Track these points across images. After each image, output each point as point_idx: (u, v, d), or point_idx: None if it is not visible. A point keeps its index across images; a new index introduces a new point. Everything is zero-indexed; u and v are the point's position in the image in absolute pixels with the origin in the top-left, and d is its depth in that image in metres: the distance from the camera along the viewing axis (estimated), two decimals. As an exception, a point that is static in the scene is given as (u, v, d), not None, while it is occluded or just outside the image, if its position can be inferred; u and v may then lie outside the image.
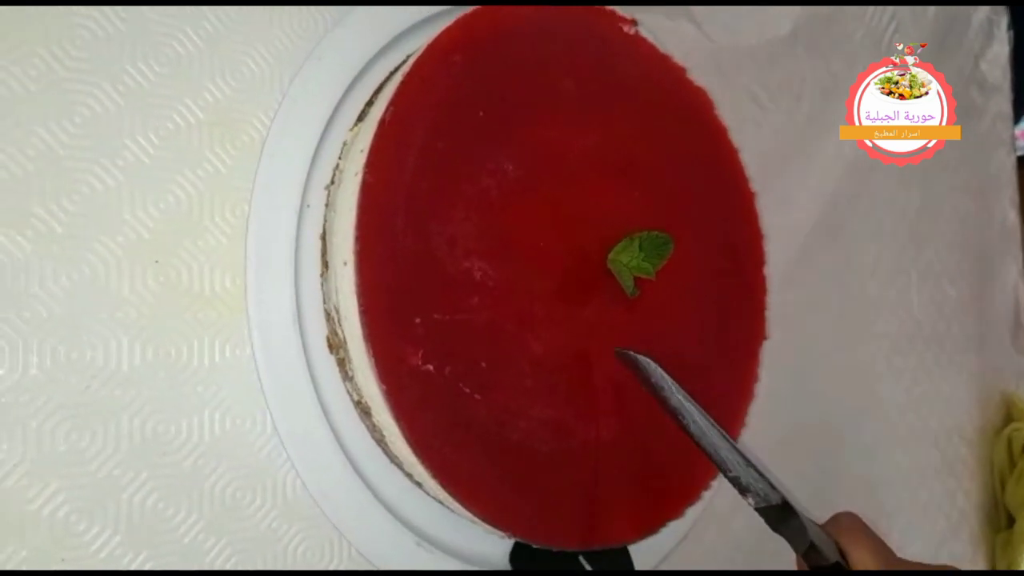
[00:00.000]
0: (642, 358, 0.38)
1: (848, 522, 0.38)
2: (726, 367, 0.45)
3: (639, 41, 0.44)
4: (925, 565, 0.38)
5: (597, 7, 0.42)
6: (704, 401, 0.43)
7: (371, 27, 0.41)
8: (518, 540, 0.38)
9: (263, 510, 0.37)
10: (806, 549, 0.37)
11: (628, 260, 0.39)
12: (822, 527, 0.38)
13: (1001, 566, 0.70)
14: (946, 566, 0.39)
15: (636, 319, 0.41)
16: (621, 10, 0.43)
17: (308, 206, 0.39)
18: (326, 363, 0.39)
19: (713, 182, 0.46)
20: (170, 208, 0.37)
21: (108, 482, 0.34)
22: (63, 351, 0.34)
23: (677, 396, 0.38)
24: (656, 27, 0.51)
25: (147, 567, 0.35)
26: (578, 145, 0.41)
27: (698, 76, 0.46)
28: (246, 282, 0.37)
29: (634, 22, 0.44)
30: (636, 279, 0.39)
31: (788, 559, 0.55)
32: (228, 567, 0.36)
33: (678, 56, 0.46)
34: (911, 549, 0.66)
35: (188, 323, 0.37)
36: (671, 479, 0.41)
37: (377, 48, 0.41)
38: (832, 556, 0.37)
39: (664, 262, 0.40)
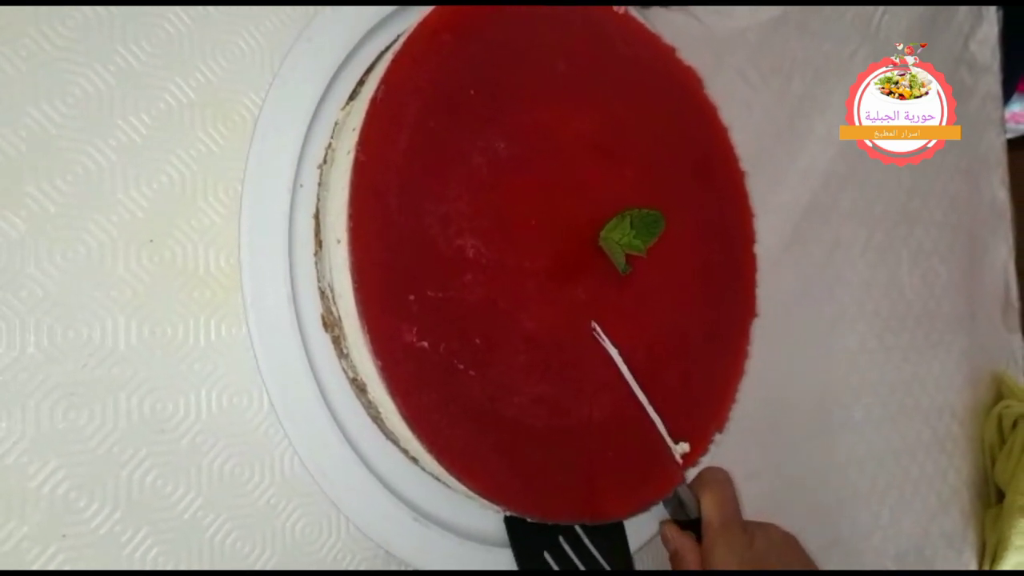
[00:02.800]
0: None
1: (707, 476, 0.41)
2: (717, 345, 0.46)
3: (629, 21, 0.44)
4: (762, 524, 0.41)
5: None
6: (695, 378, 0.44)
7: (360, 9, 0.41)
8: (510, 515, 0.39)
9: (261, 486, 0.38)
10: (673, 506, 0.41)
11: (619, 237, 0.39)
12: (691, 484, 0.41)
13: (991, 541, 0.71)
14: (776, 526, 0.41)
15: (628, 297, 0.42)
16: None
17: (301, 186, 0.39)
18: (321, 341, 0.39)
19: (703, 160, 0.46)
20: (163, 188, 0.37)
21: (107, 459, 0.35)
22: (60, 330, 0.34)
23: None
24: (647, 12, 0.52)
25: (147, 543, 0.35)
26: (569, 124, 0.41)
27: (689, 57, 0.46)
28: (240, 261, 0.38)
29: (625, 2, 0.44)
30: (628, 256, 0.40)
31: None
32: (227, 543, 0.37)
33: (669, 37, 0.47)
34: (902, 525, 0.67)
35: (183, 302, 0.37)
36: (660, 458, 0.42)
37: (367, 28, 0.41)
38: (693, 511, 0.39)
39: (655, 239, 0.40)
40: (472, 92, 0.38)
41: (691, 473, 0.43)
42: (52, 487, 0.33)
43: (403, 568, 0.40)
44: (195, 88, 0.38)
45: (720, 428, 0.44)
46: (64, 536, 0.33)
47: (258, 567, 0.37)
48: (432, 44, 0.37)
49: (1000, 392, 0.76)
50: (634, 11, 0.45)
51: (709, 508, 0.40)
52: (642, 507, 0.41)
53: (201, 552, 0.36)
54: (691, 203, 0.45)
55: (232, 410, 0.37)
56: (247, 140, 0.38)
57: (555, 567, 0.41)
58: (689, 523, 0.41)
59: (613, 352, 0.40)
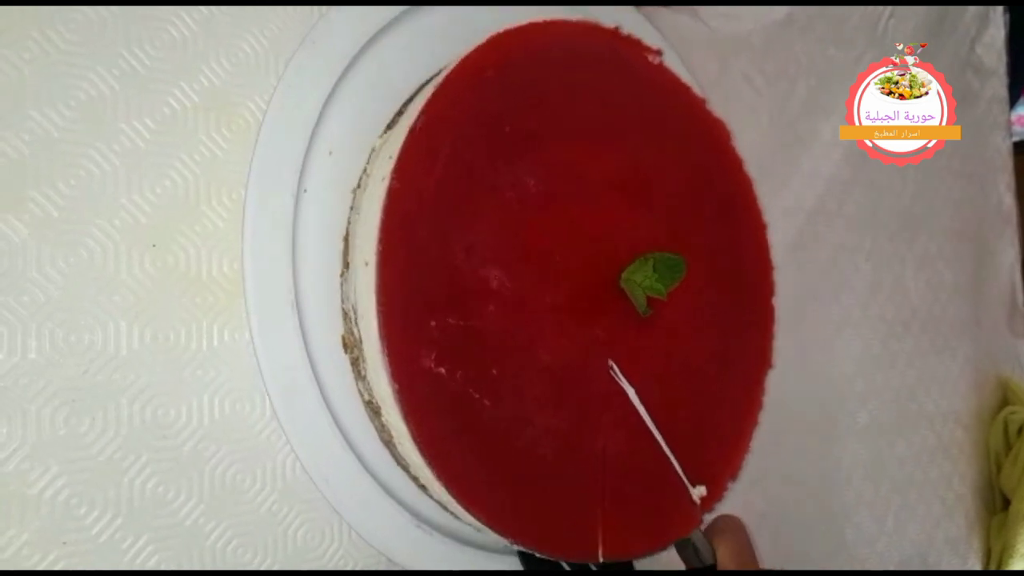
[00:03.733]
0: None
1: (723, 524, 0.41)
2: (732, 394, 0.45)
3: (662, 71, 0.44)
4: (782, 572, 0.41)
5: (624, 36, 0.43)
6: (709, 424, 0.44)
7: (366, 11, 0.40)
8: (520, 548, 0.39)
9: (263, 493, 0.38)
10: (687, 553, 0.40)
11: (641, 279, 0.39)
12: (705, 531, 0.40)
13: (996, 548, 0.71)
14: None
15: (645, 339, 0.42)
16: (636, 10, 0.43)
17: (305, 190, 0.39)
18: (324, 346, 0.39)
19: (727, 211, 0.46)
20: (166, 192, 0.37)
21: (108, 466, 0.34)
22: (61, 335, 0.34)
23: None
24: (653, 16, 0.51)
25: (148, 550, 0.35)
26: (599, 166, 0.41)
27: (694, 61, 0.46)
28: (243, 266, 0.37)
29: (659, 52, 0.44)
30: (648, 299, 0.40)
31: (787, 546, 0.56)
32: (228, 550, 0.37)
33: (674, 41, 0.46)
34: (907, 531, 0.67)
35: (186, 307, 0.37)
36: (674, 499, 0.41)
37: (372, 32, 0.41)
38: (708, 559, 0.39)
39: (676, 284, 0.40)
40: (507, 128, 0.38)
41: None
42: (53, 494, 0.33)
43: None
44: (199, 92, 0.38)
45: (734, 476, 0.43)
46: (65, 543, 0.33)
47: None
48: (473, 80, 0.37)
49: (1006, 398, 0.76)
50: (665, 47, 0.44)
51: (725, 557, 0.39)
52: (657, 547, 0.41)
53: (203, 559, 0.36)
54: (712, 251, 0.45)
55: (234, 416, 0.37)
56: (251, 144, 0.38)
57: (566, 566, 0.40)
58: (703, 571, 0.41)
59: (630, 391, 0.40)
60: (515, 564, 0.41)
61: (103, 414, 0.34)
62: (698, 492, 0.41)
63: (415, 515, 0.40)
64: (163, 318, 0.36)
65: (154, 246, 0.36)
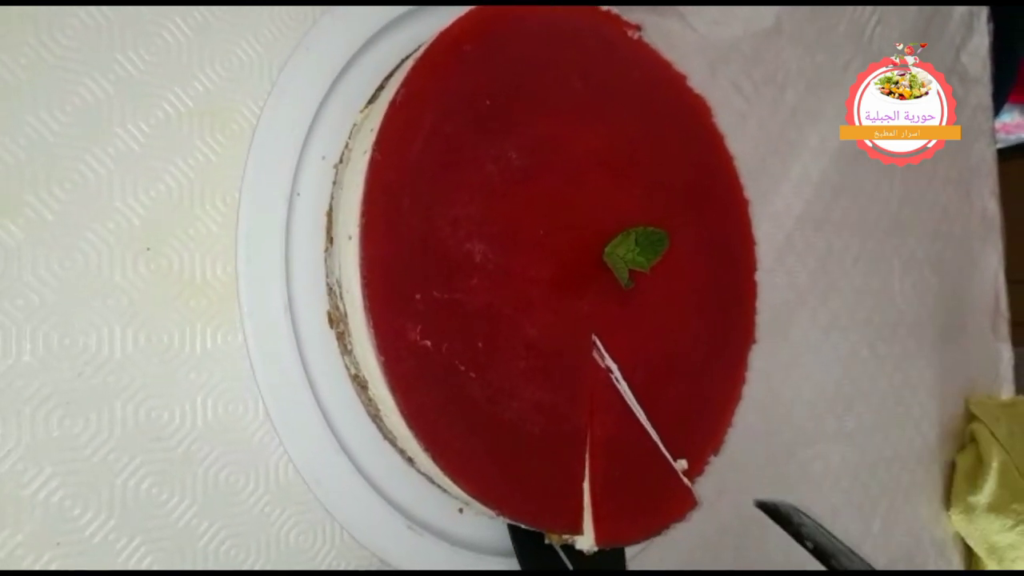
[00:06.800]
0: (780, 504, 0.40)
1: None
2: (715, 369, 0.46)
3: (642, 46, 0.45)
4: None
5: (604, 11, 0.43)
6: (692, 399, 0.44)
7: (359, 17, 0.41)
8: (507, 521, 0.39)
9: (256, 495, 0.38)
10: None
11: (624, 253, 0.40)
12: None
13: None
14: None
15: (630, 313, 0.42)
16: (621, 11, 0.44)
17: (298, 194, 0.39)
18: (318, 349, 0.39)
19: (709, 187, 0.47)
20: (161, 196, 0.37)
21: (102, 467, 0.35)
22: (56, 338, 0.34)
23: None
24: (643, 21, 0.52)
25: (141, 551, 0.35)
26: (580, 141, 0.41)
27: (683, 67, 0.46)
28: (237, 270, 0.38)
29: (639, 27, 0.44)
30: (631, 273, 0.40)
31: (774, 545, 0.56)
32: (221, 551, 0.37)
33: (663, 46, 0.47)
34: (894, 533, 0.67)
35: (180, 310, 0.37)
36: (668, 477, 0.42)
37: (365, 38, 0.41)
38: None
39: (659, 258, 0.40)
40: (488, 102, 0.38)
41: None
42: (47, 495, 0.33)
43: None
44: (193, 97, 0.38)
45: (716, 451, 0.44)
46: (58, 544, 0.33)
47: None
48: (453, 53, 0.37)
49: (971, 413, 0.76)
50: (646, 38, 0.45)
51: None
52: (652, 532, 0.41)
53: (195, 560, 0.36)
54: (695, 226, 0.45)
55: (228, 418, 0.38)
56: (245, 149, 0.38)
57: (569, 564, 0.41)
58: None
59: (612, 366, 0.40)
60: (507, 566, 0.42)
61: (97, 416, 0.35)
62: (679, 466, 0.42)
63: (408, 517, 0.40)
64: (157, 321, 0.36)
65: (148, 249, 0.36)
